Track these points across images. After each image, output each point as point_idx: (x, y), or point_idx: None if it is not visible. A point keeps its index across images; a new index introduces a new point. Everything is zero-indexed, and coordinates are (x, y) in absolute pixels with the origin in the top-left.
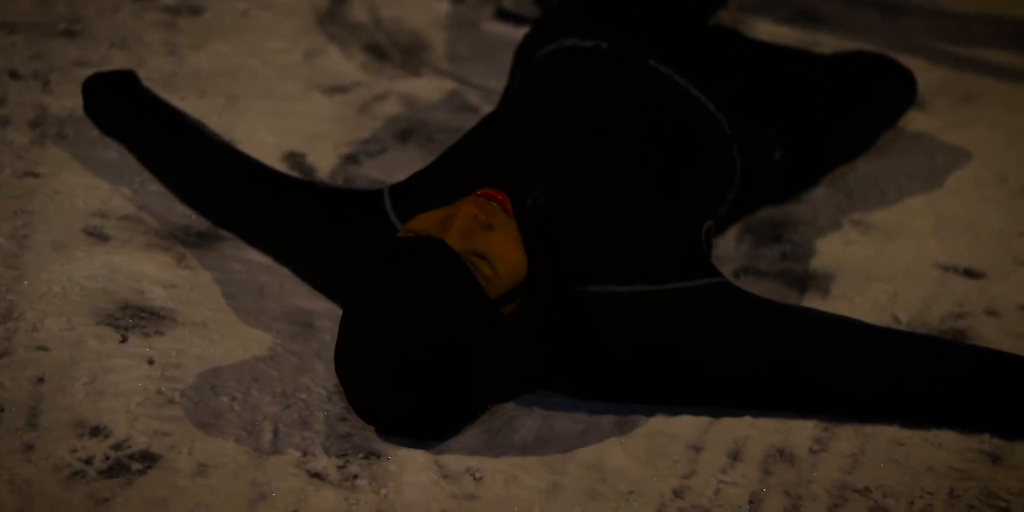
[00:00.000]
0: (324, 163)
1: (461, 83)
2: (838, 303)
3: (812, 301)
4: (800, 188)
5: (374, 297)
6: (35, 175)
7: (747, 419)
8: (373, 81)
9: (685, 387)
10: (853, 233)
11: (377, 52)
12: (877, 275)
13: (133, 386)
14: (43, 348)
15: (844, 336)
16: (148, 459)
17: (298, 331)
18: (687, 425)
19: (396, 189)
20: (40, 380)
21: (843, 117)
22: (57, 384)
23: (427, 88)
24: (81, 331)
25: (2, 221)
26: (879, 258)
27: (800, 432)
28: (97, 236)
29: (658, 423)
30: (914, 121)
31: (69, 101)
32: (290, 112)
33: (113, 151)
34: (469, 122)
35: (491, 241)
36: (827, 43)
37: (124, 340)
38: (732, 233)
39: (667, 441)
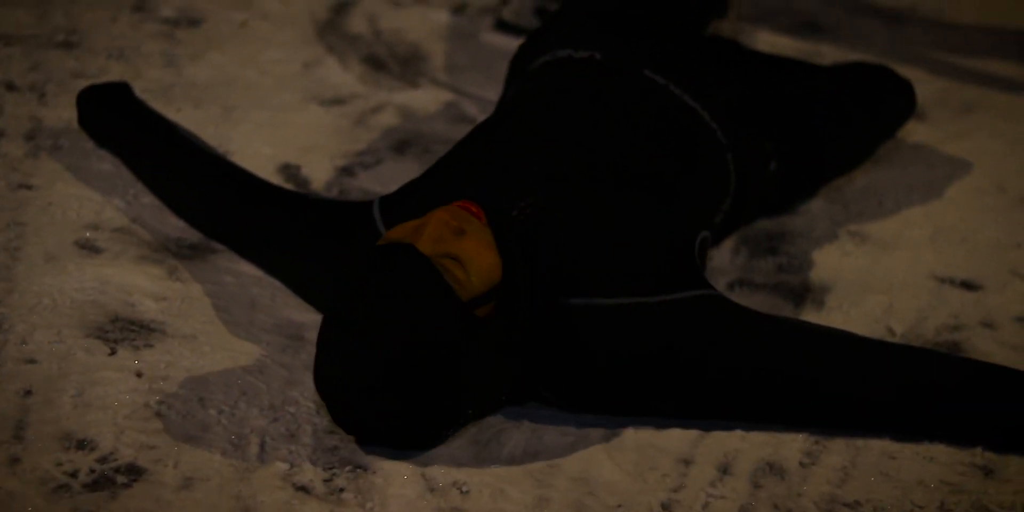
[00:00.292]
0: (319, 175)
1: (459, 94)
2: (833, 315)
3: (807, 313)
4: (797, 199)
5: (347, 305)
6: (28, 187)
7: (737, 432)
8: (371, 92)
9: (673, 399)
10: (849, 245)
11: (375, 63)
12: (873, 287)
13: (120, 399)
14: (31, 361)
15: (834, 348)
16: (133, 472)
17: (288, 344)
18: (677, 438)
19: (386, 200)
20: (28, 393)
21: (841, 128)
22: (44, 397)
23: (425, 99)
24: (70, 344)
25: None
26: (875, 270)
27: (791, 445)
28: (89, 248)
29: (647, 436)
30: (914, 132)
31: (65, 113)
32: (286, 123)
33: (107, 163)
34: (466, 133)
35: (462, 244)
36: (828, 53)
37: (113, 353)
38: (728, 245)
39: (656, 454)
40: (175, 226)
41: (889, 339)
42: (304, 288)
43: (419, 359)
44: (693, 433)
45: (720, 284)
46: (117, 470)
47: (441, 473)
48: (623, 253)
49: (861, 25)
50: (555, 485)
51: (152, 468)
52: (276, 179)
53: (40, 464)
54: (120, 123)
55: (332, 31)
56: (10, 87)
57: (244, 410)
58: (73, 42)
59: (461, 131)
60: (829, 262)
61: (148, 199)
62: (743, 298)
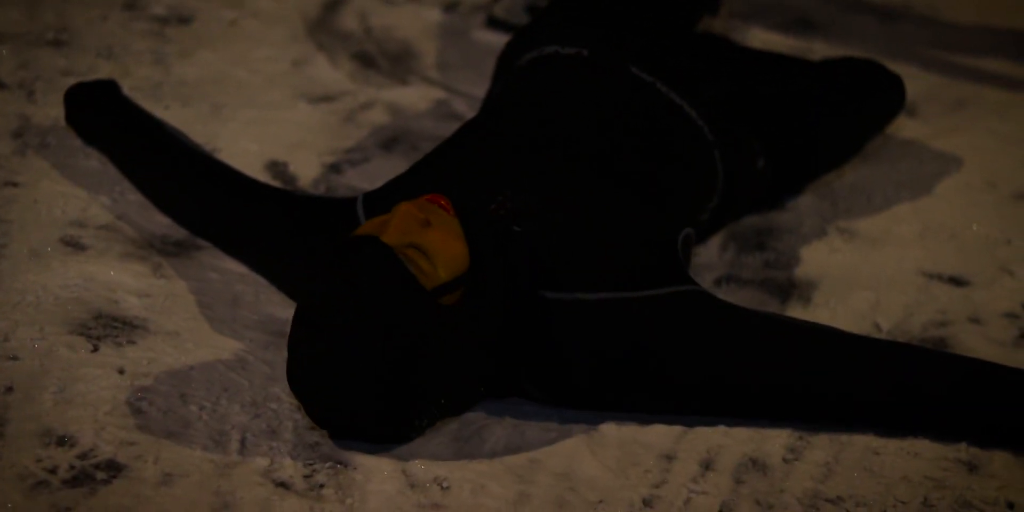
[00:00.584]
0: (306, 172)
1: (449, 92)
2: (819, 311)
3: (794, 309)
4: (785, 195)
5: (313, 300)
6: (14, 185)
7: (721, 428)
8: (360, 90)
9: (654, 394)
10: (838, 241)
11: (365, 61)
12: (860, 283)
13: (102, 395)
14: (13, 357)
15: (816, 343)
16: (113, 469)
17: (271, 340)
18: (660, 434)
19: (370, 196)
20: (9, 389)
21: (829, 124)
22: (25, 393)
23: (414, 97)
24: (52, 340)
25: None
26: (863, 266)
27: (774, 441)
28: (74, 245)
29: (630, 432)
30: (904, 128)
31: (53, 111)
32: (274, 121)
33: (94, 160)
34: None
35: (427, 235)
36: (821, 50)
37: (95, 349)
38: (715, 241)
39: (639, 450)
40: (160, 223)
41: (876, 335)
42: (288, 285)
43: (383, 348)
44: (676, 429)
45: (707, 280)
46: (97, 466)
47: (422, 469)
48: (605, 248)
49: (854, 22)
50: (536, 481)
51: (132, 464)
52: (263, 176)
53: (19, 460)
54: (107, 121)
55: (323, 29)
56: None
57: (225, 406)
58: (63, 40)
59: (450, 129)
60: (817, 258)
61: (134, 196)
62: (730, 294)
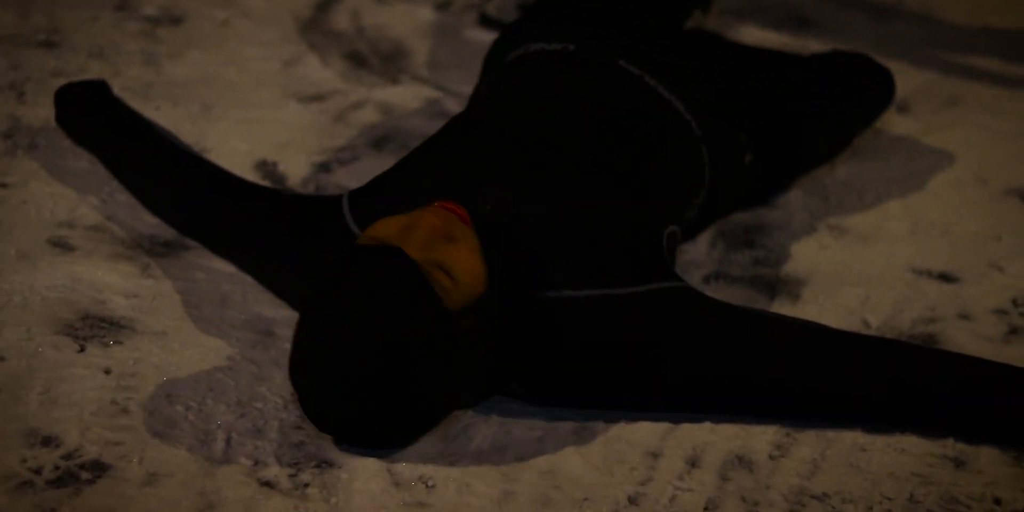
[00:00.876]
0: (296, 171)
1: (440, 91)
2: (807, 308)
3: (782, 306)
4: (773, 191)
5: (329, 303)
6: (3, 185)
7: (707, 425)
8: (351, 89)
9: (640, 392)
10: (827, 238)
11: (357, 60)
12: (849, 279)
13: (87, 396)
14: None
15: (802, 339)
16: (98, 469)
17: (258, 340)
18: (646, 432)
19: (355, 194)
20: None
21: (818, 119)
22: (11, 394)
23: (405, 96)
24: (39, 341)
25: None
26: (852, 262)
27: (760, 438)
28: (62, 246)
29: (617, 430)
30: (896, 124)
31: (43, 111)
32: (264, 120)
33: (83, 161)
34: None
35: (451, 252)
36: (815, 47)
37: (82, 350)
38: (704, 238)
39: (625, 448)
40: (149, 223)
41: (864, 332)
42: (274, 283)
43: (399, 366)
44: (663, 426)
45: (696, 277)
46: (82, 466)
47: (407, 468)
48: (591, 245)
49: (848, 19)
50: (522, 479)
51: (117, 464)
52: (253, 176)
53: (5, 461)
54: (97, 121)
55: (314, 28)
56: None
57: (211, 406)
58: (54, 41)
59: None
60: (806, 255)
61: (123, 197)
62: (719, 291)
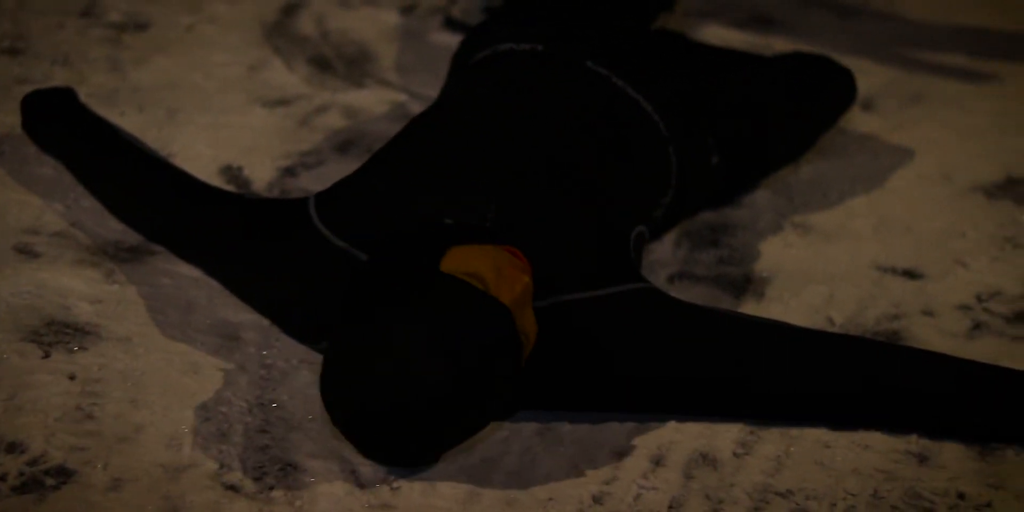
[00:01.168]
0: (261, 176)
1: (405, 94)
2: (772, 306)
3: (747, 305)
4: (739, 191)
5: (415, 327)
6: None
7: (671, 424)
8: (316, 93)
9: (608, 393)
10: (792, 236)
11: (322, 64)
12: (814, 277)
13: (52, 402)
14: None
15: (766, 339)
16: (62, 475)
17: (223, 344)
18: (611, 431)
19: (322, 197)
20: None
21: (782, 119)
22: None
23: (370, 99)
24: (3, 348)
25: None
26: (817, 260)
27: (725, 436)
28: (27, 253)
29: (582, 430)
30: (861, 122)
31: (8, 118)
32: (229, 125)
33: (48, 167)
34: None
35: (528, 317)
36: (779, 47)
37: (47, 356)
38: (670, 238)
39: (591, 447)
40: (114, 229)
41: (829, 329)
42: (240, 288)
43: (464, 414)
44: (628, 426)
45: (661, 277)
46: (46, 472)
47: (371, 470)
48: (561, 251)
49: (812, 18)
50: (487, 480)
51: (81, 470)
52: (218, 181)
53: None
54: (63, 128)
55: (280, 33)
56: None
57: (176, 411)
58: (19, 48)
59: None
60: (771, 253)
61: (88, 203)
62: (684, 290)
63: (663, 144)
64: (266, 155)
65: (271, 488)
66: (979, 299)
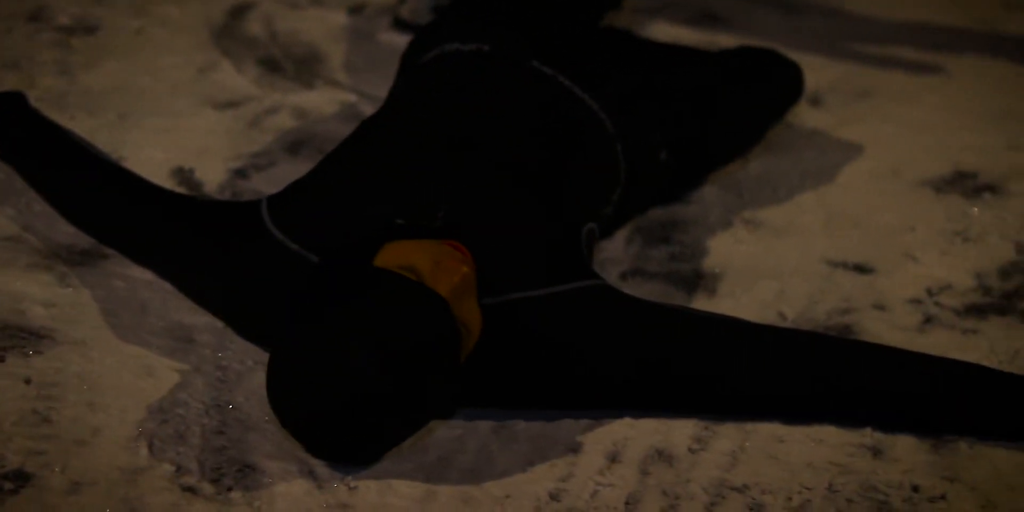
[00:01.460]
0: (213, 178)
1: (355, 94)
2: (725, 302)
3: (699, 301)
4: (688, 187)
5: (349, 324)
6: None
7: (627, 420)
8: (265, 95)
9: (562, 390)
10: (743, 232)
11: (271, 65)
12: (765, 273)
13: (9, 406)
14: None
15: (720, 334)
16: (20, 479)
17: (177, 346)
18: (566, 428)
19: (274, 200)
20: None
21: (730, 114)
22: None
23: (320, 100)
24: None
25: None
26: (767, 256)
27: (680, 431)
28: None
29: (537, 427)
30: (809, 117)
31: None
32: (180, 128)
33: None
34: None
35: (473, 310)
36: (726, 43)
37: (2, 360)
38: (621, 235)
39: (546, 445)
40: (66, 233)
41: (781, 324)
42: (195, 290)
43: (407, 405)
44: (583, 422)
45: (613, 274)
46: (4, 476)
47: (329, 470)
48: (514, 249)
49: (759, 15)
50: (444, 478)
51: (39, 473)
52: (169, 183)
53: None
54: (14, 132)
55: (228, 35)
56: None
57: (133, 413)
58: None
59: None
60: (722, 249)
61: (39, 207)
62: (636, 287)
63: (610, 142)
64: (217, 157)
65: (229, 489)
66: (929, 293)
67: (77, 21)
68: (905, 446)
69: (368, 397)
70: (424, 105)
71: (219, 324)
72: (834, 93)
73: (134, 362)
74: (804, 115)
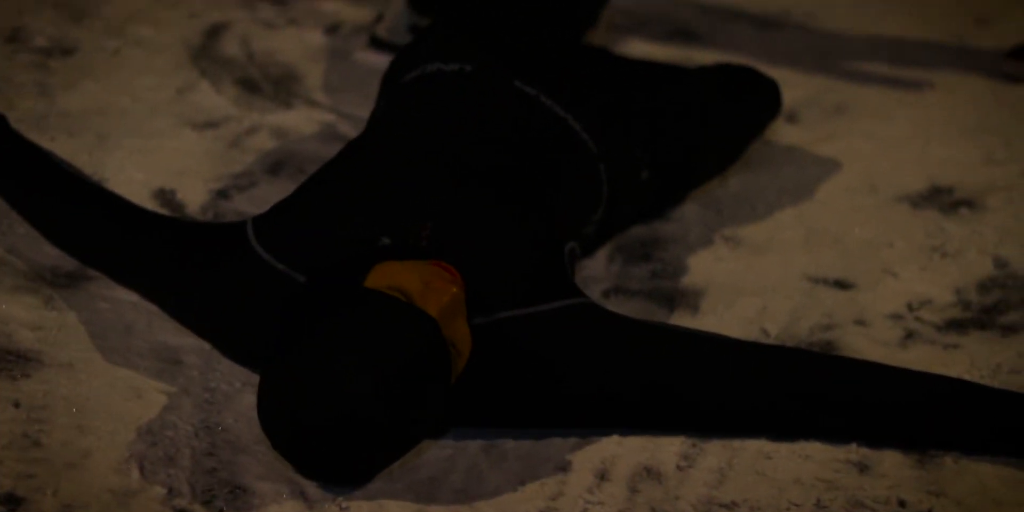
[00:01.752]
0: (194, 199)
1: (333, 114)
2: (706, 319)
3: (681, 318)
4: (668, 205)
5: (339, 345)
6: None
7: (615, 438)
8: (244, 115)
9: (550, 409)
10: (723, 249)
11: (249, 86)
12: (746, 290)
13: None
14: None
15: (706, 351)
16: (12, 502)
17: (165, 368)
18: (555, 447)
19: (260, 221)
20: None
21: (709, 131)
22: None
23: (298, 120)
24: None
25: None
26: (748, 273)
27: (667, 449)
28: None
29: (526, 446)
30: (786, 134)
31: None
32: (160, 149)
33: None
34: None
35: (461, 329)
36: (702, 60)
37: None
38: (602, 253)
39: (536, 463)
40: (50, 255)
41: (764, 340)
42: (180, 311)
43: (398, 429)
44: (571, 441)
45: (595, 292)
46: None
47: (320, 491)
48: (500, 269)
49: (734, 31)
50: (435, 498)
51: (31, 497)
52: (151, 204)
53: None
54: None
55: (205, 55)
56: None
57: (123, 436)
58: None
59: (336, 151)
60: (703, 267)
61: (22, 229)
62: (618, 305)
63: (592, 161)
64: (198, 178)
65: (221, 511)
66: (910, 308)
67: (54, 42)
68: (891, 462)
69: (359, 418)
70: (408, 125)
71: (205, 345)
72: (810, 109)
73: (122, 384)
74: (781, 131)
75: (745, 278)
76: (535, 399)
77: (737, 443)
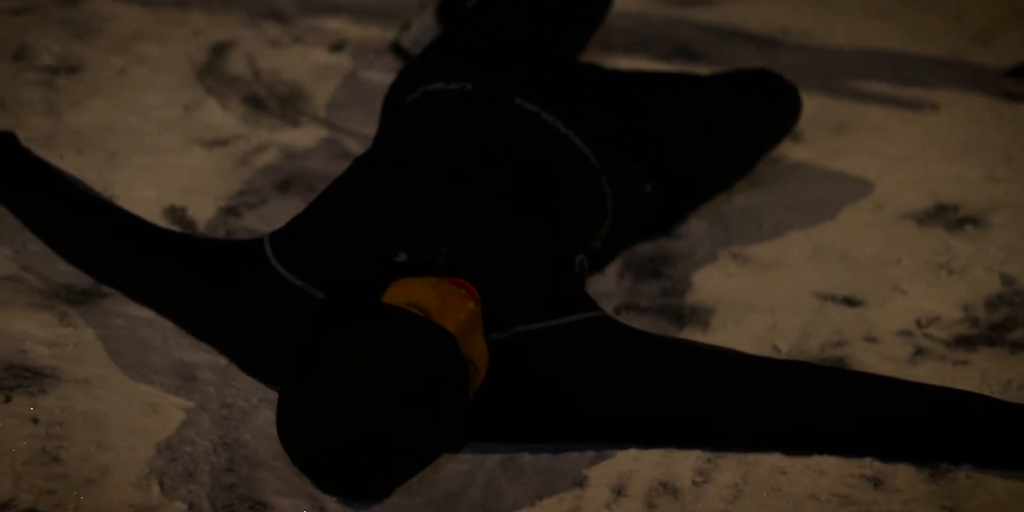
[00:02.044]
0: (204, 216)
1: (339, 131)
2: (718, 335)
3: (692, 335)
4: (677, 218)
5: (359, 360)
6: None
7: (631, 453)
8: (252, 132)
9: (568, 424)
10: (731, 266)
11: (255, 103)
12: (756, 306)
13: (18, 445)
14: None
15: (722, 366)
16: None
17: (181, 384)
18: (571, 461)
19: (276, 235)
20: None
21: (713, 141)
22: None
23: (305, 137)
24: None
25: None
26: (757, 289)
27: (683, 464)
28: None
29: (543, 461)
30: (791, 152)
31: None
32: (169, 166)
33: None
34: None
35: (478, 346)
36: None
37: (8, 400)
38: (613, 270)
39: (553, 478)
40: (64, 272)
41: (775, 357)
42: (197, 327)
43: (418, 447)
44: (588, 455)
45: (607, 308)
46: None
47: (339, 506)
48: (514, 283)
49: (735, 50)
50: None
51: None
52: (162, 222)
53: None
54: (7, 172)
55: (211, 73)
56: None
57: (142, 452)
58: None
59: (343, 168)
60: (712, 284)
61: (36, 247)
62: (630, 322)
63: (595, 176)
64: (208, 195)
65: None
66: (919, 325)
67: (60, 60)
68: (905, 476)
69: (378, 433)
70: (415, 142)
71: (221, 361)
72: (812, 127)
73: (139, 400)
74: (786, 149)
75: (754, 295)
76: (552, 414)
77: (752, 458)
